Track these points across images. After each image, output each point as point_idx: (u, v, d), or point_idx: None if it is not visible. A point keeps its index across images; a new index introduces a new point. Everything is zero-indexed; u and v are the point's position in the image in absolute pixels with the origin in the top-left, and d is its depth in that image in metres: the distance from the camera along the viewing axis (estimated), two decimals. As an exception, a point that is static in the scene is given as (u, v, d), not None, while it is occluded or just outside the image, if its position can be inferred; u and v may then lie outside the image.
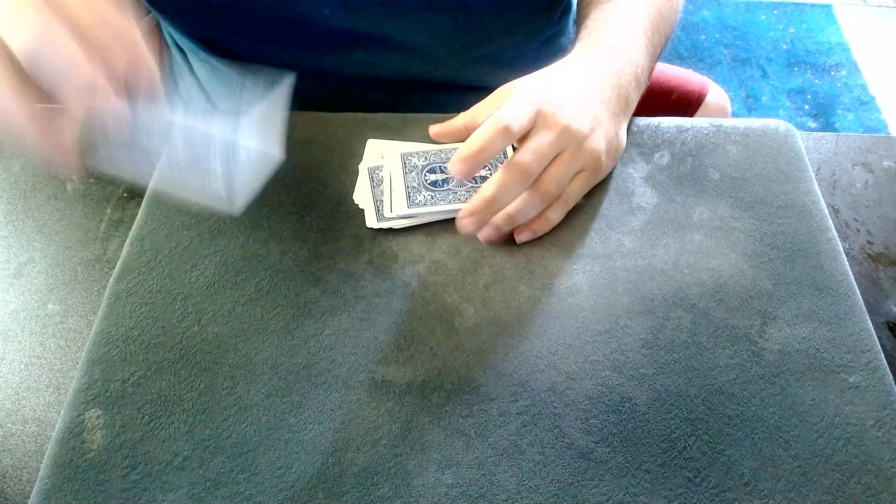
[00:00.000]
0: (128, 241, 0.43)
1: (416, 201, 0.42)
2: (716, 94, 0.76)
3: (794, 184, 0.45)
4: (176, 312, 0.39)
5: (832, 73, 1.72)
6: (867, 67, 1.73)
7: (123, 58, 0.30)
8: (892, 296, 0.43)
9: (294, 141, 0.48)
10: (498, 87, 0.46)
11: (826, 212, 0.44)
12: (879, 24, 1.85)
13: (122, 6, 0.30)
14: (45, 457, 0.34)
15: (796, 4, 1.89)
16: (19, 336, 0.40)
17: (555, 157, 0.40)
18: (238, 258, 0.42)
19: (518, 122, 0.39)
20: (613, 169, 0.46)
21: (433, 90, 0.60)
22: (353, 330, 0.39)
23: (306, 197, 0.45)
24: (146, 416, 0.36)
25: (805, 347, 0.38)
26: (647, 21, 0.48)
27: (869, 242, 0.45)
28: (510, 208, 0.40)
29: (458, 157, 0.38)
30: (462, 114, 0.46)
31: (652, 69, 0.50)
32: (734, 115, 1.45)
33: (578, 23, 0.51)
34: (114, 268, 0.42)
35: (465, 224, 0.40)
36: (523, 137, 0.40)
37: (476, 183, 0.43)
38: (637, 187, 0.45)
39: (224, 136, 0.33)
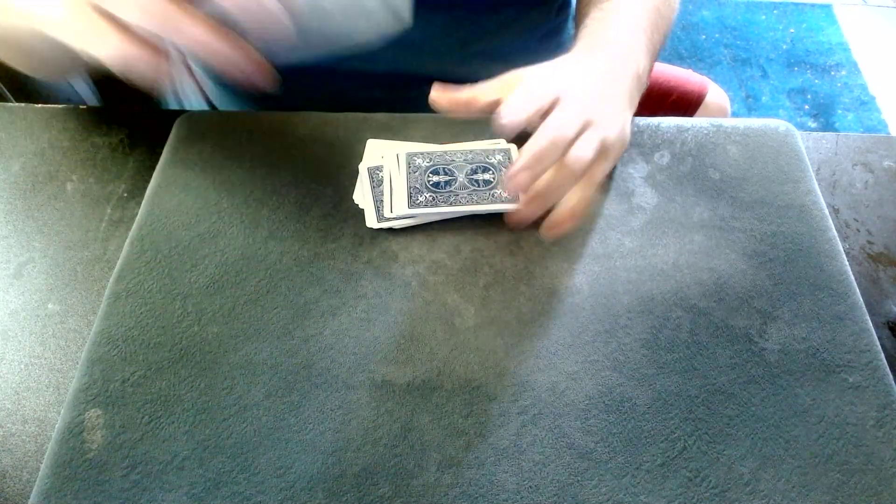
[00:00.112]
0: (128, 241, 0.43)
1: (418, 202, 0.42)
2: (715, 94, 0.76)
3: (794, 184, 0.45)
4: (176, 312, 0.39)
5: (832, 73, 1.72)
6: (867, 67, 1.73)
7: None
8: (892, 296, 0.43)
9: (294, 141, 0.48)
10: None
11: (826, 212, 0.44)
12: (879, 24, 1.85)
13: None
14: (45, 457, 0.34)
15: (796, 4, 1.90)
16: (19, 336, 0.40)
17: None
18: (238, 258, 0.42)
19: (568, 130, 0.39)
20: (613, 169, 0.46)
21: (430, 86, 0.60)
22: (353, 330, 0.39)
23: (306, 197, 0.45)
24: (146, 416, 0.36)
25: (805, 347, 0.38)
26: (646, 21, 0.48)
27: (869, 242, 0.45)
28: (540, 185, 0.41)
29: (518, 167, 0.39)
30: (468, 90, 0.45)
31: (651, 68, 0.50)
32: (734, 115, 1.45)
33: (578, 22, 0.51)
34: (114, 268, 0.42)
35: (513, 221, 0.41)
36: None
37: (479, 187, 0.43)
38: (637, 187, 0.45)
39: None
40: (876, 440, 0.35)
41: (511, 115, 0.39)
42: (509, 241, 0.43)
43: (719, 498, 0.33)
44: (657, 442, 0.35)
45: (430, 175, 0.44)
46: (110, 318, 0.39)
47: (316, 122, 0.49)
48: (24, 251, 0.44)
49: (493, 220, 0.43)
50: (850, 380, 0.37)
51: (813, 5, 1.89)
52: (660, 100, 0.75)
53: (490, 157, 0.45)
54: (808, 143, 0.51)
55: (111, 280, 0.41)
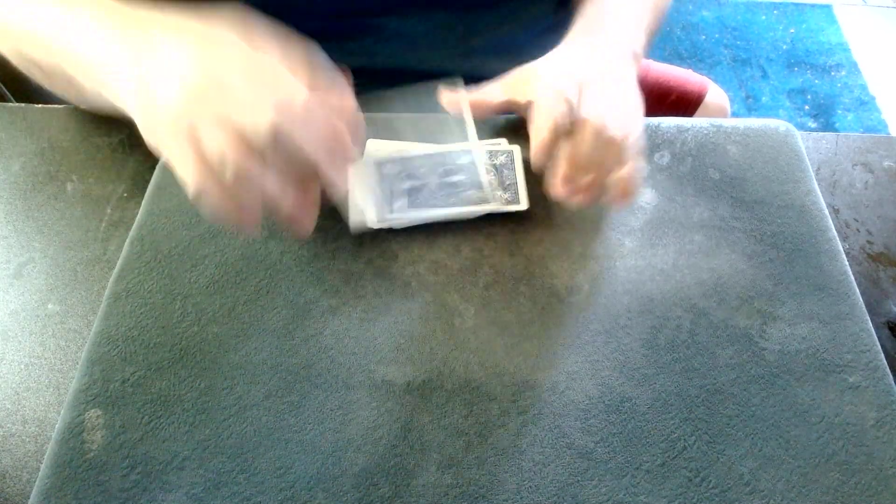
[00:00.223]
0: (128, 241, 0.43)
1: (394, 208, 0.42)
2: (715, 95, 0.76)
3: (794, 184, 0.45)
4: (176, 312, 0.39)
5: (832, 74, 1.72)
6: (867, 67, 1.73)
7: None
8: (892, 296, 0.43)
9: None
10: (496, 78, 0.46)
11: (826, 212, 0.44)
12: (879, 24, 1.85)
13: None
14: (45, 457, 0.34)
15: (796, 4, 1.89)
16: (19, 336, 0.40)
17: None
18: (238, 258, 0.42)
19: (610, 124, 0.40)
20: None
21: (430, 81, 0.60)
22: (353, 330, 0.39)
23: (306, 197, 0.45)
24: (146, 416, 0.36)
25: (805, 347, 0.38)
26: (641, 7, 0.48)
27: (869, 242, 0.45)
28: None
29: (559, 180, 0.39)
30: (476, 91, 0.45)
31: (647, 49, 0.50)
32: (734, 115, 1.45)
33: (574, 9, 0.52)
34: (114, 268, 0.42)
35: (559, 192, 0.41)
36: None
37: (454, 189, 0.43)
38: (637, 187, 0.45)
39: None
40: (876, 440, 0.35)
41: (553, 133, 0.39)
42: (509, 241, 0.43)
43: (719, 498, 0.33)
44: (657, 442, 0.35)
45: (403, 180, 0.44)
46: (110, 318, 0.39)
47: (316, 123, 0.49)
48: (24, 251, 0.44)
49: (493, 220, 0.43)
50: (850, 380, 0.37)
51: (813, 5, 1.89)
52: (659, 100, 0.75)
53: (459, 158, 0.44)
54: (808, 144, 0.51)
55: (111, 280, 0.41)
